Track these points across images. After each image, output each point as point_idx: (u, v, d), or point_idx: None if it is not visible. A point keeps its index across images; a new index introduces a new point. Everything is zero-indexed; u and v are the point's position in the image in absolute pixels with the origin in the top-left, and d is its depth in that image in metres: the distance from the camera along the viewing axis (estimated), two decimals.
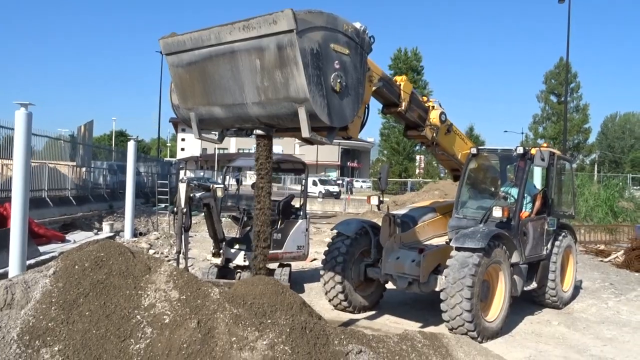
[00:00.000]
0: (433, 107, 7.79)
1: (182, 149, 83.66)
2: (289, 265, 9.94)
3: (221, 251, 9.01)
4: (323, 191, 44.38)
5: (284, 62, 4.73)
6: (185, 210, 7.36)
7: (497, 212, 7.40)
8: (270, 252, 9.33)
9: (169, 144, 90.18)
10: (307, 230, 9.91)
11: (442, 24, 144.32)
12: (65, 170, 20.56)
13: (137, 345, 3.88)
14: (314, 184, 44.84)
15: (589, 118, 55.07)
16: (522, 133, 59.22)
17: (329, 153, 72.57)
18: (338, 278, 7.97)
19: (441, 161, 9.14)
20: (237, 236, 9.67)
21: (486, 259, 6.84)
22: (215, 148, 70.37)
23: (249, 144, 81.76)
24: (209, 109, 5.65)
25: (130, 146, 16.40)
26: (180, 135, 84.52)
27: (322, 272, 8.23)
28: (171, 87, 6.06)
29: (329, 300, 8.24)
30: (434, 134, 7.85)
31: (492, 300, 7.30)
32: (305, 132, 4.89)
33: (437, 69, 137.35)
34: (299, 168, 10.91)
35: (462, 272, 6.67)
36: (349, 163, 75.27)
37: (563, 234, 8.91)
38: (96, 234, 16.32)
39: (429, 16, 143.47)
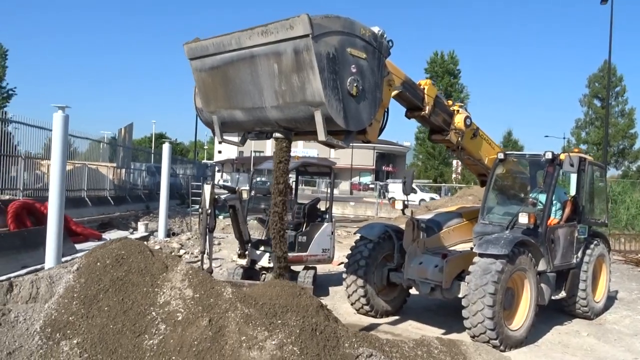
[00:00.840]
0: (458, 111, 7.72)
1: (219, 152, 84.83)
2: (314, 268, 9.99)
3: (247, 252, 9.13)
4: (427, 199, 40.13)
5: (300, 66, 4.79)
6: (209, 211, 7.50)
7: (523, 219, 7.27)
8: (295, 254, 9.49)
9: (206, 147, 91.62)
10: (332, 233, 9.95)
11: (482, 27, 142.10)
12: (105, 171, 21.25)
13: (151, 341, 4.00)
14: (414, 191, 40.89)
15: (635, 123, 53.19)
16: (564, 138, 57.71)
17: (364, 157, 72.41)
18: (360, 282, 7.97)
19: (468, 166, 9.03)
20: (263, 238, 9.78)
21: (510, 266, 6.72)
22: (251, 151, 71.13)
23: None
24: (231, 113, 5.76)
25: (165, 148, 16.81)
26: (217, 138, 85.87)
27: (344, 276, 8.25)
28: (195, 91, 6.21)
29: (352, 304, 8.24)
30: (459, 138, 7.77)
31: (517, 308, 7.16)
32: (322, 136, 4.94)
33: (476, 73, 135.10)
34: (325, 171, 10.96)
35: (485, 279, 6.58)
36: (384, 167, 74.86)
37: (595, 242, 8.66)
38: (131, 233, 16.80)
39: (468, 19, 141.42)
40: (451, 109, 7.75)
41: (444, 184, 46.44)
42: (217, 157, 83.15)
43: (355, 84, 4.98)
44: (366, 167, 73.41)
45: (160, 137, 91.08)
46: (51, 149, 9.57)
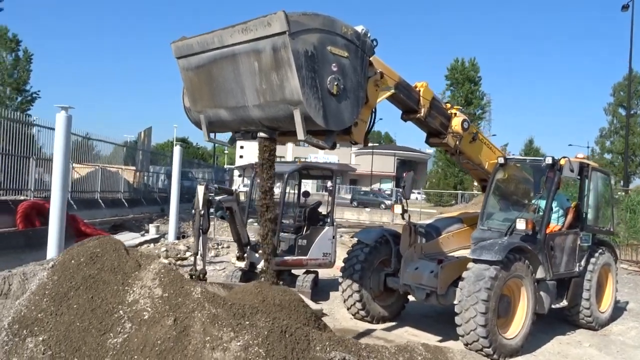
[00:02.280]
0: (455, 114, 7.56)
1: (241, 157, 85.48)
2: (315, 273, 9.90)
3: (245, 255, 9.08)
4: None
5: (279, 64, 4.73)
6: (202, 212, 7.47)
7: (520, 225, 7.07)
8: (295, 258, 9.42)
9: (226, 151, 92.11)
10: (334, 237, 9.84)
11: (504, 34, 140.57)
12: (125, 174, 21.54)
13: (115, 340, 3.95)
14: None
15: None
16: (588, 147, 56.56)
17: (384, 164, 72.09)
18: (356, 286, 7.84)
19: (468, 170, 8.83)
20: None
21: (504, 272, 6.53)
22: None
23: (306, 152, 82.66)
24: (216, 112, 5.73)
25: (176, 152, 16.93)
26: (238, 143, 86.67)
27: (340, 280, 8.14)
28: (183, 91, 6.19)
29: (347, 309, 8.12)
30: (457, 142, 7.61)
31: (513, 316, 6.94)
32: (301, 135, 4.86)
33: (498, 81, 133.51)
34: (327, 175, 10.87)
35: (478, 285, 6.39)
36: (404, 174, 74.18)
37: (600, 250, 8.37)
38: (142, 235, 16.92)
39: (490, 26, 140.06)
40: (449, 112, 7.60)
41: (459, 191, 45.83)
42: (239, 162, 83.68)
43: (335, 83, 4.90)
44: (387, 173, 73.05)
45: (183, 141, 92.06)
46: (53, 149, 9.68)
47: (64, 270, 4.53)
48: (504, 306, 6.75)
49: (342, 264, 8.22)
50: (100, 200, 18.45)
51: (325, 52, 4.85)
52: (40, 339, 4.00)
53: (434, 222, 8.66)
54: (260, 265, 9.14)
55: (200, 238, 7.58)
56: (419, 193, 60.29)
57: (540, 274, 7.21)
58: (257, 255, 9.22)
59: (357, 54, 5.15)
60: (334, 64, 4.92)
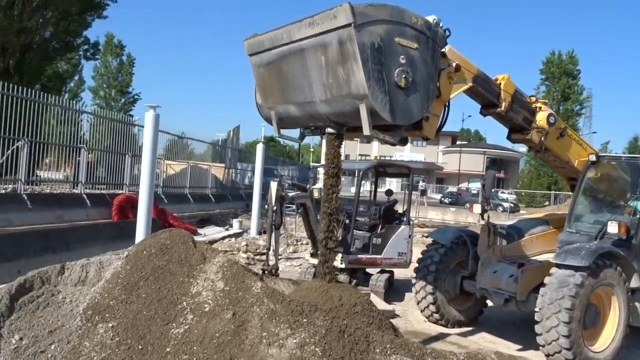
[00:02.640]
0: (540, 108, 7.06)
1: None
2: (390, 272, 9.70)
3: (318, 252, 9.06)
4: None
5: (345, 57, 4.62)
6: (275, 208, 7.53)
7: (612, 228, 6.48)
8: (369, 256, 9.29)
9: (312, 149, 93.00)
10: (410, 236, 9.59)
11: (606, 26, 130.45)
12: (214, 170, 22.48)
13: (177, 330, 4.05)
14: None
15: None
16: None
17: (474, 162, 69.70)
18: (429, 288, 7.58)
19: (555, 169, 8.22)
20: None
21: (592, 279, 6.01)
22: (357, 154, 71.23)
23: (390, 150, 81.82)
24: (286, 108, 5.72)
25: (259, 149, 17.34)
26: (324, 141, 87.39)
27: (413, 281, 7.90)
28: (255, 88, 6.25)
29: (421, 311, 7.86)
30: (542, 138, 7.11)
31: (602, 327, 6.38)
32: (367, 130, 4.73)
33: (600, 74, 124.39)
34: (404, 172, 10.61)
35: (561, 292, 5.93)
36: (495, 173, 71.35)
37: None
38: (226, 229, 17.52)
39: (590, 17, 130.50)
40: (533, 106, 7.12)
41: (553, 192, 43.27)
42: (324, 160, 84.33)
43: (404, 76, 4.71)
44: (476, 172, 70.54)
45: (270, 140, 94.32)
46: (143, 146, 10.19)
47: (136, 260, 4.71)
48: (591, 316, 6.22)
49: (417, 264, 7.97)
50: (189, 195, 19.27)
51: (393, 44, 4.68)
52: (110, 325, 4.18)
53: (516, 223, 8.18)
54: (335, 262, 9.11)
55: (273, 234, 7.64)
56: (509, 193, 57.74)
57: (635, 282, 6.58)
58: None
59: (427, 45, 4.92)
60: (402, 56, 4.73)
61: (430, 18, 5.01)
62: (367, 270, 9.59)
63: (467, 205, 41.92)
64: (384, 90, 4.64)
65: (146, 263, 4.65)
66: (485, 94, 6.59)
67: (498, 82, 6.73)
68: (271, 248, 7.71)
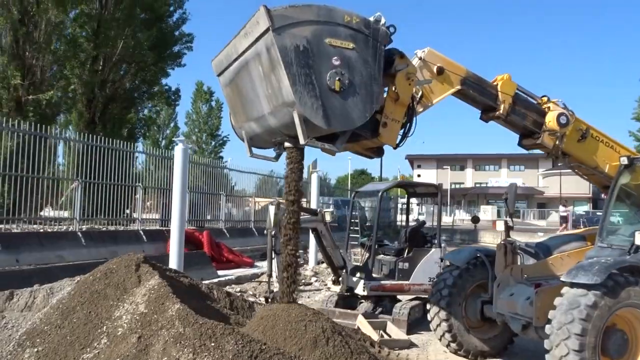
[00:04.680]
0: (549, 107, 6.29)
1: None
2: (421, 301, 8.96)
3: (340, 279, 8.65)
4: None
5: (273, 64, 4.39)
6: (273, 232, 7.27)
7: (639, 239, 5.51)
8: (394, 282, 8.70)
9: (399, 177, 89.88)
10: (441, 260, 8.86)
11: None
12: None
13: (88, 355, 3.91)
14: None
15: None
16: None
17: (578, 185, 64.68)
18: (443, 314, 6.85)
19: (586, 177, 7.21)
20: (360, 264, 9.19)
21: (609, 299, 5.08)
22: (449, 183, 68.98)
23: (484, 177, 78.48)
24: (250, 125, 5.53)
25: (313, 179, 17.30)
26: (416, 172, 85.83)
27: (428, 307, 7.21)
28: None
29: (439, 340, 7.12)
30: (557, 142, 6.30)
31: (633, 357, 5.37)
32: (301, 139, 4.40)
33: None
34: (432, 192, 9.92)
35: (570, 315, 5.07)
36: (603, 195, 65.65)
37: None
38: None
39: None
40: (544, 107, 6.36)
41: None
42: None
43: (337, 78, 4.36)
44: (580, 195, 65.49)
45: (362, 174, 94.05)
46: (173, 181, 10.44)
47: (80, 285, 4.69)
48: (616, 344, 5.25)
49: None
50: (253, 229, 19.56)
51: (323, 45, 4.37)
52: (35, 350, 4.13)
53: (546, 240, 7.27)
54: (357, 290, 8.62)
55: (274, 259, 7.38)
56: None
57: None
58: (354, 279, 8.73)
59: (367, 43, 4.55)
60: (335, 57, 4.40)
61: (375, 16, 4.65)
62: (399, 297, 8.98)
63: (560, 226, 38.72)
64: (314, 95, 4.32)
65: (88, 288, 4.61)
66: (479, 97, 6.02)
67: (495, 83, 6.12)
68: (272, 274, 7.44)
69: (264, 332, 4.42)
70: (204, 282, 6.74)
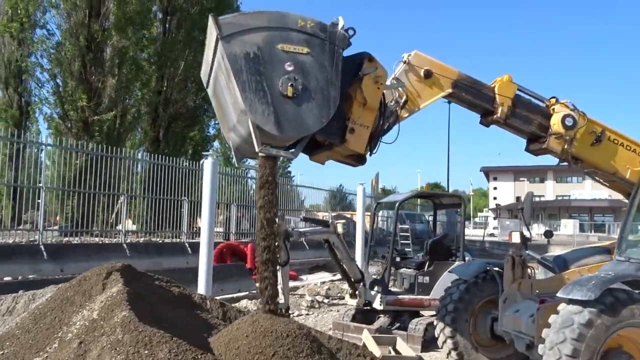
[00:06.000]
0: (553, 109, 5.83)
1: (495, 198, 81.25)
2: None
3: (357, 292, 8.42)
4: None
5: (227, 72, 4.39)
6: (277, 244, 7.18)
7: None
8: (413, 297, 8.37)
9: (471, 193, 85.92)
10: None
11: None
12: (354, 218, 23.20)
13: (38, 359, 4.02)
14: None
15: None
16: None
17: None
18: (448, 331, 6.50)
19: (606, 183, 6.56)
20: (378, 277, 8.91)
21: (607, 317, 4.59)
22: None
23: (568, 189, 74.25)
24: (230, 135, 5.56)
25: (359, 192, 17.06)
26: (491, 184, 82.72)
27: (434, 323, 6.85)
28: None
29: (446, 358, 6.75)
30: (565, 146, 5.82)
31: None
32: (256, 146, 4.37)
33: None
34: (456, 202, 9.45)
35: (561, 335, 4.64)
36: (533, 195, 59.40)
37: None
38: (334, 275, 17.29)
39: None
40: (550, 108, 5.92)
41: None
42: (492, 204, 79.69)
43: (290, 84, 4.28)
44: None
45: (436, 187, 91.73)
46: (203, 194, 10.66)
47: (57, 292, 4.86)
48: None
49: None
50: (304, 242, 19.58)
51: (275, 51, 4.31)
52: (1, 353, 4.30)
53: (566, 253, 6.72)
54: (375, 304, 8.36)
55: (281, 271, 7.28)
56: None
57: None
58: (372, 292, 8.48)
59: (323, 47, 4.44)
60: (288, 63, 4.33)
61: (334, 20, 4.54)
62: (422, 313, 8.61)
63: None
64: (265, 101, 4.27)
65: (61, 294, 4.77)
66: (474, 100, 5.72)
67: (492, 85, 5.78)
68: (280, 286, 7.33)
69: (228, 344, 4.38)
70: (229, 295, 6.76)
